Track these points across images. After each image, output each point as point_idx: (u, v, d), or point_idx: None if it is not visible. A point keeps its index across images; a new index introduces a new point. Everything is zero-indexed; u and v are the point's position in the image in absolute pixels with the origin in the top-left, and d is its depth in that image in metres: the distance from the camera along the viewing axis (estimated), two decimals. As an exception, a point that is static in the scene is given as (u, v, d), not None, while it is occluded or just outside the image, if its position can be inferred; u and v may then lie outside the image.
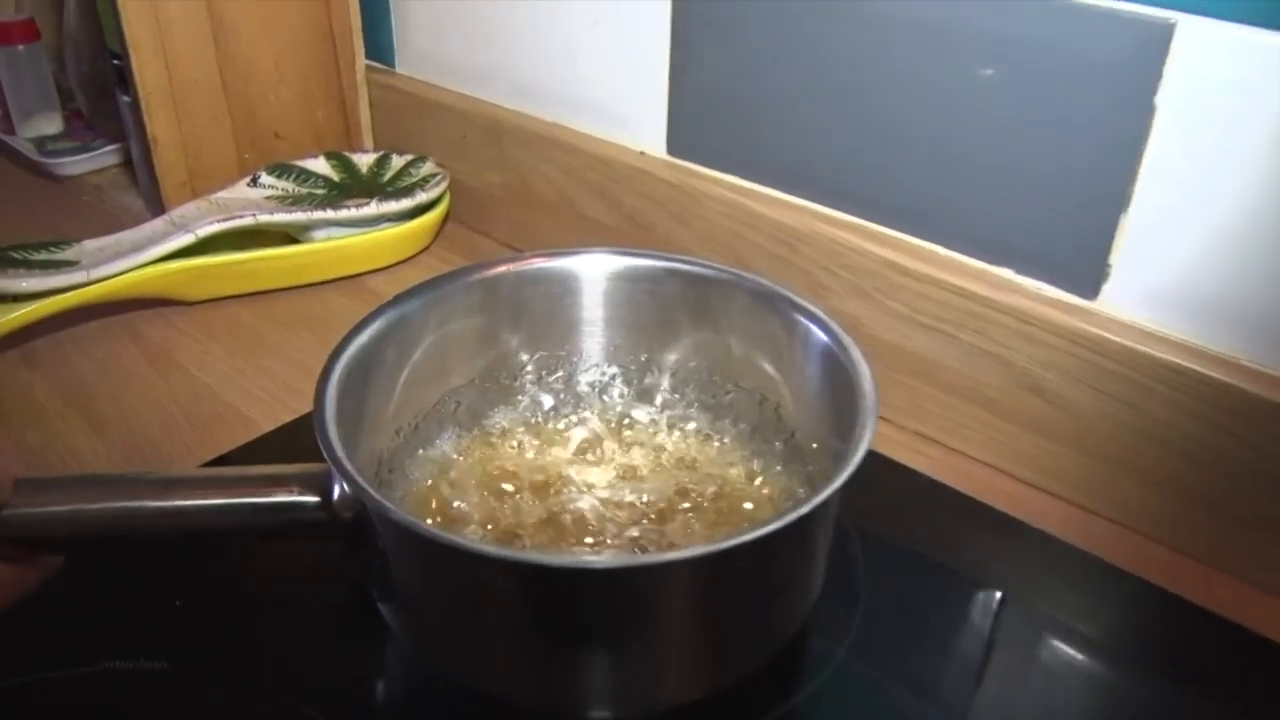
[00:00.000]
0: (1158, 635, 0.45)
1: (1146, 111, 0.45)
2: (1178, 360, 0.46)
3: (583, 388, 0.52)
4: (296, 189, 0.76)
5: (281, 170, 0.77)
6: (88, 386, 0.61)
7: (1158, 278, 0.47)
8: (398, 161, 0.80)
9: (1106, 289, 0.49)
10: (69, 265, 0.64)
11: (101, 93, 0.93)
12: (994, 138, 0.50)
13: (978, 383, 0.53)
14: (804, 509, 0.34)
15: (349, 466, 0.35)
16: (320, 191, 0.76)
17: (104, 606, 0.45)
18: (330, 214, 0.72)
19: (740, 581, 0.36)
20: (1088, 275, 0.49)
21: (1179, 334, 0.47)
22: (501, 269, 0.48)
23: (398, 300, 0.45)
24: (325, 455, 0.36)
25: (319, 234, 0.73)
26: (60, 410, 0.59)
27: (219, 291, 0.70)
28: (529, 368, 0.50)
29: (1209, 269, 0.46)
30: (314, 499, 0.38)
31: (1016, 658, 0.43)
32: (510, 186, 0.77)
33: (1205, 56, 0.43)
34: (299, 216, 0.71)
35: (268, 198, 0.74)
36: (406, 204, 0.74)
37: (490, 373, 0.50)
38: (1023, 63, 0.48)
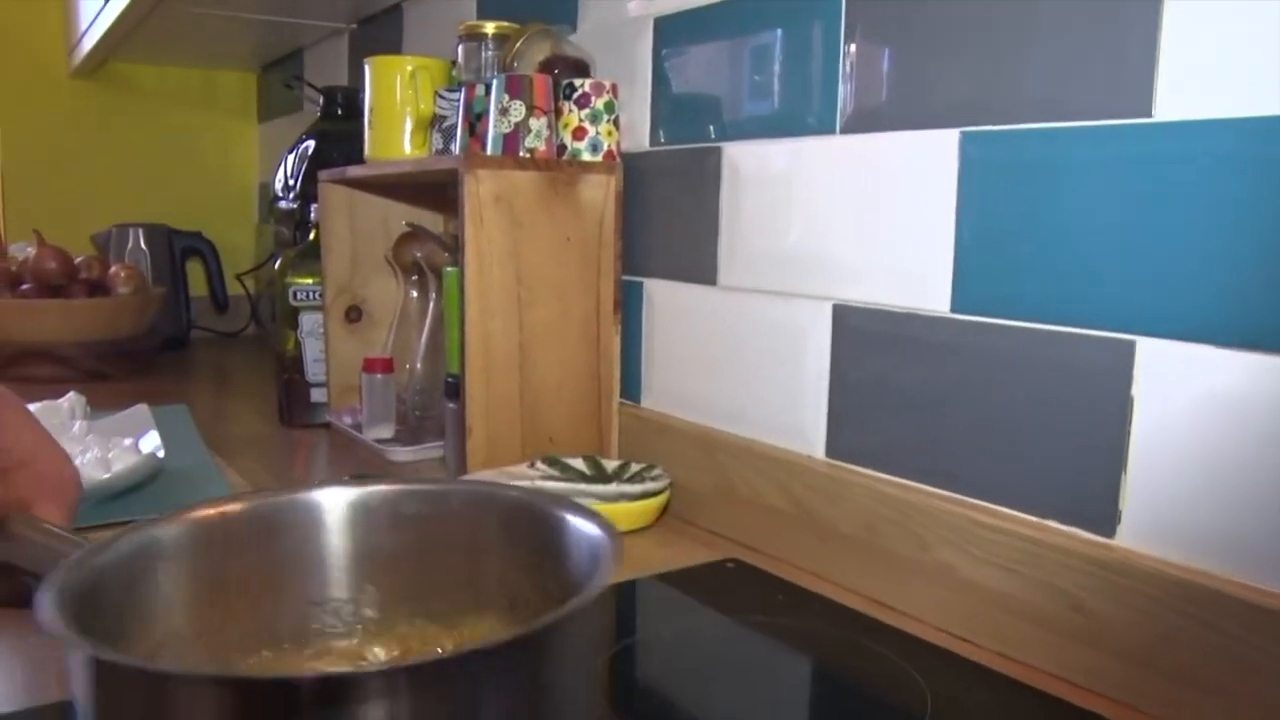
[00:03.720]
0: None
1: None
2: (1180, 576, 0.65)
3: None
4: (560, 475, 1.05)
5: (551, 461, 1.07)
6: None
7: (1155, 519, 0.68)
8: (635, 466, 1.09)
9: (1120, 529, 0.70)
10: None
11: (425, 412, 1.29)
12: (1029, 435, 0.74)
13: (1036, 605, 0.73)
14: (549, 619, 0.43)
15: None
16: (576, 478, 1.05)
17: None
18: (582, 487, 1.00)
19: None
20: (1105, 519, 0.70)
21: (1171, 558, 0.67)
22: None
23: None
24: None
25: (572, 501, 1.01)
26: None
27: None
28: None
29: (1189, 512, 0.66)
30: None
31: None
32: (717, 487, 1.03)
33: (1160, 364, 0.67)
34: (562, 486, 1.00)
35: (540, 477, 1.04)
36: (637, 488, 1.02)
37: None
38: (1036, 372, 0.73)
